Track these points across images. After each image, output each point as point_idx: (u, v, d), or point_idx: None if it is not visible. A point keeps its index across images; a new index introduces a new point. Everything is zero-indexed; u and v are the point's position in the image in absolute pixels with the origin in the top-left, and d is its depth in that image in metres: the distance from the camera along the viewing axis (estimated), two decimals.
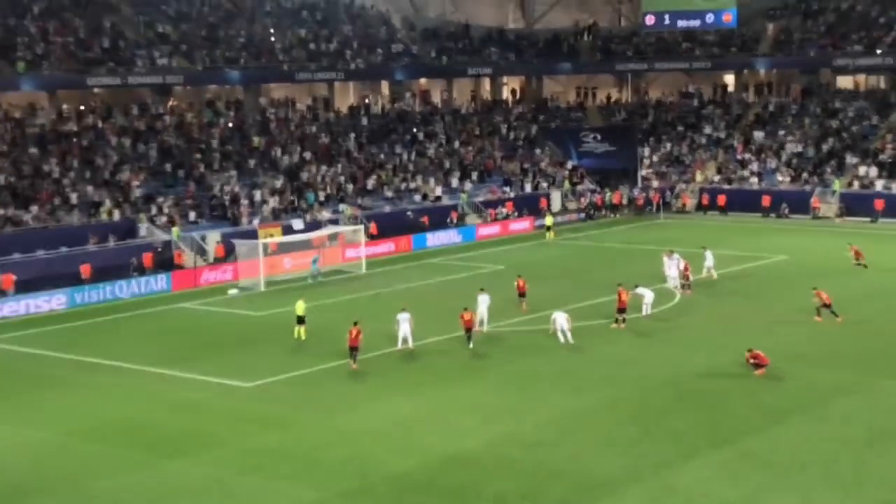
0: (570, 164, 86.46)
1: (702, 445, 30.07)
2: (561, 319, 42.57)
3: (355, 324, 39.79)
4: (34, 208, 60.57)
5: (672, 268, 51.98)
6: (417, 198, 75.27)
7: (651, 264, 55.21)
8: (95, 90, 74.22)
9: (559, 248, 67.66)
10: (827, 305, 44.54)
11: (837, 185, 77.29)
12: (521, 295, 49.38)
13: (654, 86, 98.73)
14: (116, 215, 62.56)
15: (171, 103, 76.92)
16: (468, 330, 42.01)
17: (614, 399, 34.74)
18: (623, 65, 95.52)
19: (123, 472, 29.36)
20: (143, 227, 61.90)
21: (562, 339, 42.30)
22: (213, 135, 74.12)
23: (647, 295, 46.39)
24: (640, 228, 74.29)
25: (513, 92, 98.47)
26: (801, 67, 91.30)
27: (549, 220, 72.44)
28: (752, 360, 36.98)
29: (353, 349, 39.33)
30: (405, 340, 41.50)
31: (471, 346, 41.78)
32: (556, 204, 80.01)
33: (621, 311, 44.58)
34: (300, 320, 44.21)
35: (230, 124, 76.52)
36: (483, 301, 44.74)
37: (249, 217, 65.94)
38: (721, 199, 79.82)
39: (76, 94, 74.05)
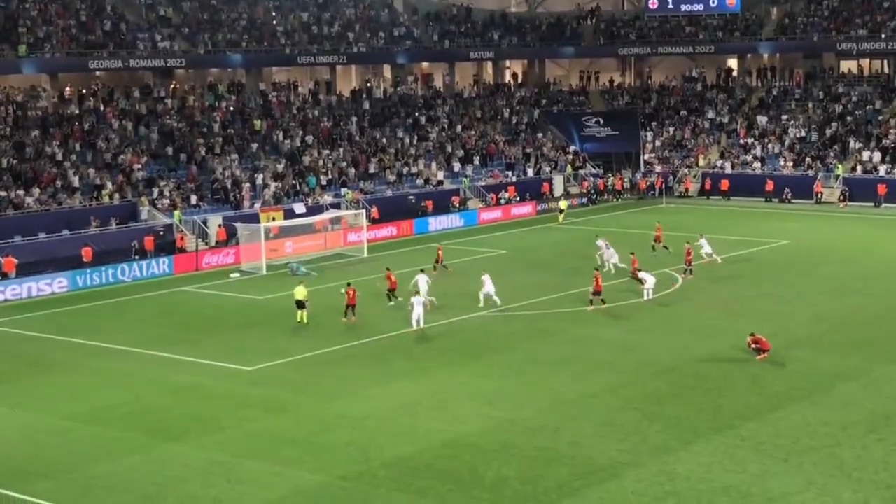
0: (572, 149, 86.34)
1: (703, 430, 30.08)
2: (488, 282, 45.59)
3: (349, 285, 44.50)
4: (36, 191, 60.52)
5: (613, 255, 52.46)
6: (420, 182, 75.20)
7: (657, 248, 55.23)
8: (97, 73, 74.10)
9: (561, 232, 67.59)
10: (634, 274, 46.54)
11: (840, 169, 77.18)
12: (438, 262, 52.72)
13: (658, 70, 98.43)
14: (118, 198, 62.53)
15: (173, 86, 76.76)
16: (391, 290, 45.87)
17: (615, 384, 34.73)
18: (626, 49, 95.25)
19: (125, 456, 29.40)
20: (144, 211, 61.89)
21: (482, 301, 45.18)
22: (215, 118, 74.01)
23: (649, 280, 46.39)
24: (642, 213, 74.17)
25: (515, 76, 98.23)
26: (805, 51, 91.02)
27: (563, 204, 72.92)
28: (753, 345, 37.00)
29: (351, 307, 43.71)
30: (418, 322, 41.82)
31: (391, 303, 45.57)
32: (559, 188, 79.92)
33: (597, 293, 45.11)
34: (300, 305, 44.26)
35: (231, 108, 76.39)
36: (422, 279, 45.40)
37: (251, 201, 65.91)
38: (724, 184, 79.67)
39: (78, 76, 73.93)
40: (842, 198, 75.21)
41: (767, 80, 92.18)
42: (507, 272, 52.16)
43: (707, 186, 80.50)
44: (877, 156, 78.01)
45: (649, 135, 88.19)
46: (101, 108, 70.78)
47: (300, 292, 44.52)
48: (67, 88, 72.52)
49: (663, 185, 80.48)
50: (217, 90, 77.95)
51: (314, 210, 64.89)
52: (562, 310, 45.27)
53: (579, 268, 54.46)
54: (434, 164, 77.55)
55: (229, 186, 66.72)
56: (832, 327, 41.55)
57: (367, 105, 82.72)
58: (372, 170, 74.25)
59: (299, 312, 44.26)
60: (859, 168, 77.69)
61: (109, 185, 63.07)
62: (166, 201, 63.27)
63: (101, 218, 59.92)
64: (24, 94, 70.13)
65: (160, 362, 39.08)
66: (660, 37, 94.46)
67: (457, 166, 78.45)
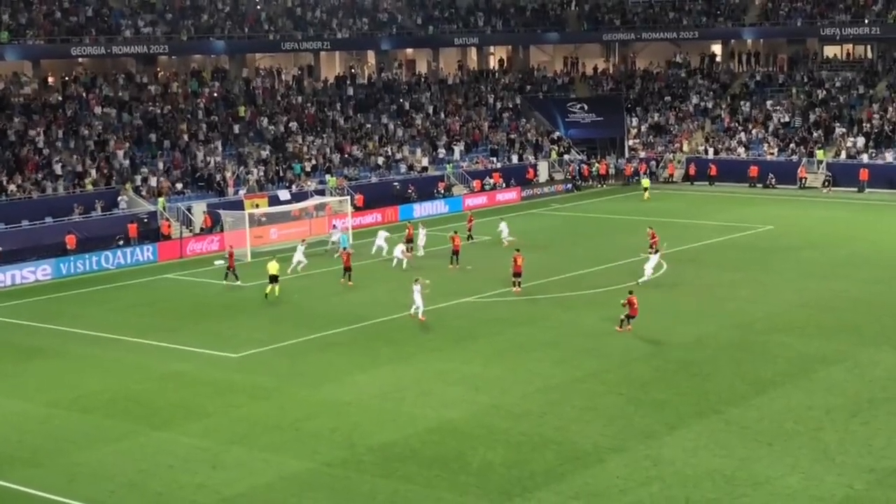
0: (556, 135, 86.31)
1: (687, 415, 30.15)
2: (381, 240, 53.26)
3: (345, 249, 50.74)
4: (18, 178, 60.21)
5: (420, 237, 54.74)
6: (404, 168, 75.07)
7: (636, 235, 55.31)
8: (80, 59, 73.70)
9: (546, 218, 67.63)
10: (517, 275, 45.61)
11: (821, 155, 77.33)
12: (409, 241, 55.05)
13: (642, 55, 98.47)
14: (101, 185, 62.26)
15: (158, 72, 76.39)
16: (231, 267, 49.05)
17: (600, 369, 34.79)
18: (610, 34, 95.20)
19: (109, 443, 29.36)
20: (124, 200, 61.29)
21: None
22: (199, 105, 73.74)
23: (651, 260, 46.55)
24: (626, 199, 74.26)
25: (500, 62, 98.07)
26: (788, 37, 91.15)
27: (645, 182, 75.09)
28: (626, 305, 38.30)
29: (348, 269, 48.19)
30: (417, 310, 41.35)
31: (232, 280, 48.82)
32: (544, 174, 79.89)
33: (517, 275, 45.68)
34: (273, 279, 45.82)
35: (215, 94, 76.12)
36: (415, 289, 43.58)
37: (235, 187, 65.73)
38: (713, 169, 79.55)
39: (61, 63, 73.57)
40: (826, 183, 75.37)
41: (751, 66, 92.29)
42: (492, 258, 52.16)
43: (691, 172, 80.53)
44: (860, 141, 78.17)
45: (633, 120, 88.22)
46: (84, 94, 70.43)
47: (273, 267, 46.12)
48: (50, 77, 72.12)
49: (647, 171, 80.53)
50: (201, 76, 77.67)
51: (299, 197, 64.74)
52: (547, 295, 45.30)
53: (564, 253, 54.63)
54: (419, 151, 77.45)
55: (213, 173, 66.51)
56: (816, 312, 41.65)
57: (351, 91, 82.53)
58: (356, 156, 74.08)
59: (270, 286, 45.70)
60: (843, 153, 77.83)
61: (93, 172, 62.81)
62: (155, 186, 63.05)
63: (84, 205, 59.65)
64: (6, 80, 69.72)
65: (144, 349, 38.99)
66: (644, 22, 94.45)
67: (441, 152, 78.36)
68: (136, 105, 71.12)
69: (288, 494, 25.73)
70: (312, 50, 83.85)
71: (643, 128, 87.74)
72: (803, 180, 76.23)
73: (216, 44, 77.81)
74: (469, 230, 58.66)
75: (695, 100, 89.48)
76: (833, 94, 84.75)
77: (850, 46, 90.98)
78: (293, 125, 75.04)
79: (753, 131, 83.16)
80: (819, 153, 77.42)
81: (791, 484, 25.42)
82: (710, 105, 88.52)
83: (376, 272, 50.96)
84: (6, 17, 69.24)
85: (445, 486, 25.90)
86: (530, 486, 25.77)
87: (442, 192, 72.68)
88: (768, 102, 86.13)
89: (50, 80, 71.55)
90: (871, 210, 67.05)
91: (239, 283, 49.00)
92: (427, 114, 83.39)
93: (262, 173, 68.06)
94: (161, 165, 65.88)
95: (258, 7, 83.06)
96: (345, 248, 52.32)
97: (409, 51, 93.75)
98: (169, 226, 59.55)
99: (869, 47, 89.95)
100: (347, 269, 48.60)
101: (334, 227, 58.28)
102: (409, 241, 55.10)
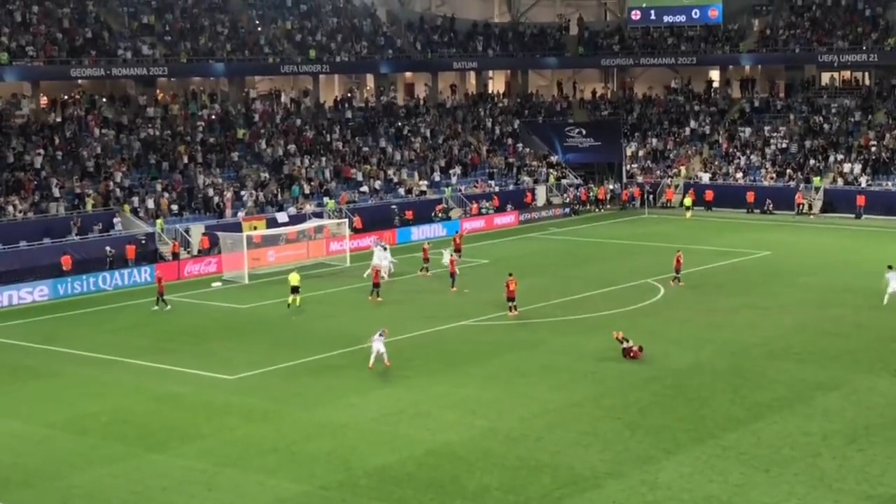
0: (554, 159, 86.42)
1: (684, 440, 30.09)
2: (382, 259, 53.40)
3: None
4: (16, 199, 60.20)
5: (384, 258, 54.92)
6: (402, 191, 75.13)
7: (635, 259, 55.34)
8: (79, 81, 73.82)
9: (544, 242, 67.66)
10: (511, 299, 45.95)
11: (818, 181, 77.47)
12: (426, 261, 56.01)
13: (640, 81, 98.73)
14: (100, 207, 62.27)
15: (157, 95, 76.50)
16: (161, 294, 49.34)
17: (597, 394, 34.74)
18: (609, 59, 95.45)
19: (105, 465, 29.27)
20: (119, 222, 61.16)
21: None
22: (198, 127, 73.83)
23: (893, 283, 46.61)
24: (624, 224, 74.33)
25: (486, 86, 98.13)
26: (786, 63, 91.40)
27: (687, 201, 76.64)
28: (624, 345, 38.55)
29: (376, 286, 49.07)
30: (380, 358, 38.17)
31: (162, 307, 49.00)
32: (541, 198, 79.97)
33: (510, 299, 46.04)
34: (295, 290, 47.56)
35: (214, 116, 76.21)
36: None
37: (234, 209, 65.76)
38: (708, 195, 79.65)
39: (60, 84, 73.67)
40: (810, 209, 75.63)
41: (749, 92, 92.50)
42: (490, 282, 52.14)
43: (691, 197, 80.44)
44: (857, 168, 78.29)
45: (632, 145, 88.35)
46: (84, 116, 70.50)
47: (294, 278, 47.87)
48: (44, 98, 72.21)
49: (643, 196, 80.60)
50: (200, 99, 77.75)
51: (297, 219, 64.76)
52: (544, 319, 45.28)
53: (562, 277, 54.61)
54: (417, 174, 77.52)
55: (211, 195, 66.54)
56: (814, 337, 41.63)
57: (349, 114, 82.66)
58: (355, 179, 74.15)
59: (292, 297, 47.47)
60: (840, 179, 77.94)
61: (91, 193, 62.77)
62: (153, 208, 63.07)
63: (82, 226, 59.58)
64: (4, 101, 69.80)
65: (141, 371, 38.93)
66: (642, 48, 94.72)
67: (438, 176, 78.41)
68: (135, 127, 71.19)
69: None
70: (312, 73, 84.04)
71: (641, 153, 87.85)
72: (800, 206, 76.34)
73: (215, 66, 77.95)
74: (458, 249, 58.42)
75: (692, 125, 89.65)
76: (831, 120, 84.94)
77: (847, 73, 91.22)
78: (291, 148, 75.13)
79: (752, 157, 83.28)
80: (816, 180, 77.58)
81: None
82: (707, 130, 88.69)
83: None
84: (5, 38, 69.36)
85: None
86: None
87: (439, 215, 72.70)
88: (766, 128, 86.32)
89: (44, 100, 71.55)
90: (869, 236, 67.10)
91: (168, 308, 49.16)
92: (425, 137, 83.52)
93: (260, 195, 68.10)
94: (159, 187, 65.91)
95: (258, 30, 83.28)
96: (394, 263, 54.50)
97: (409, 74, 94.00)
98: (177, 246, 59.63)
99: (867, 74, 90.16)
100: (376, 285, 49.52)
101: (380, 246, 58.15)
102: (427, 260, 56.06)
